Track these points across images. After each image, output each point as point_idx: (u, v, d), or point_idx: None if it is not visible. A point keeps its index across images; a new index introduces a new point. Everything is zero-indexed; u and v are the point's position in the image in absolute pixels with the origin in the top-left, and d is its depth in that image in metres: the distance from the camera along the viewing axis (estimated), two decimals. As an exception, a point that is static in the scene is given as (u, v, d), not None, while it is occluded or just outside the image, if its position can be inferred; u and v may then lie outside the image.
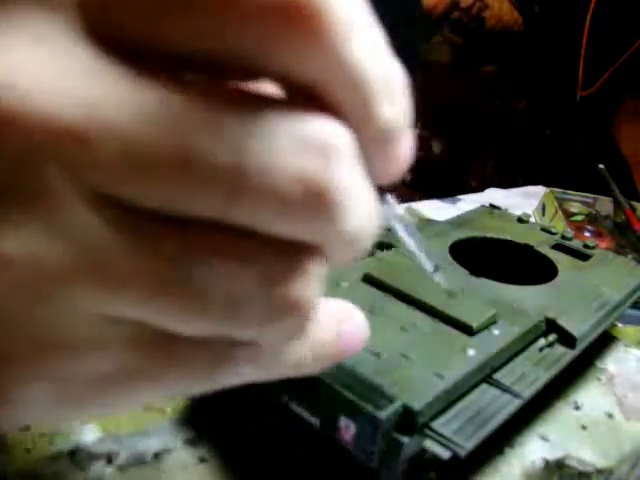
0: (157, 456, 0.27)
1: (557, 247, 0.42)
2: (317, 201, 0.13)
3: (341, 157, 0.14)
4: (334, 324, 0.19)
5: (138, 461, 0.27)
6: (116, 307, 0.13)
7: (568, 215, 0.68)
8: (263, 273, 0.14)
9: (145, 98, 0.12)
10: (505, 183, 0.84)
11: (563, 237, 0.43)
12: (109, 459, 0.27)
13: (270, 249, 0.14)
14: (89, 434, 0.28)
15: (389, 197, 0.20)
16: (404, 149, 0.16)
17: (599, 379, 0.37)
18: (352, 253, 0.16)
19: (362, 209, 0.15)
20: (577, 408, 0.34)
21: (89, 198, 0.12)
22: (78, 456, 0.27)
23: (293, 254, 0.14)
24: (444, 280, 0.24)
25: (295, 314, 0.15)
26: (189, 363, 0.15)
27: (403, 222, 0.21)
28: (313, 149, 0.13)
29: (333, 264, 0.16)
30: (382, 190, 0.18)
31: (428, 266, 0.23)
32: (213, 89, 0.13)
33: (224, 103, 0.13)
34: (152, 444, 0.28)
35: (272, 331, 0.15)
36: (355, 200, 0.15)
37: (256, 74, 0.14)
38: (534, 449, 0.30)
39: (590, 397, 0.35)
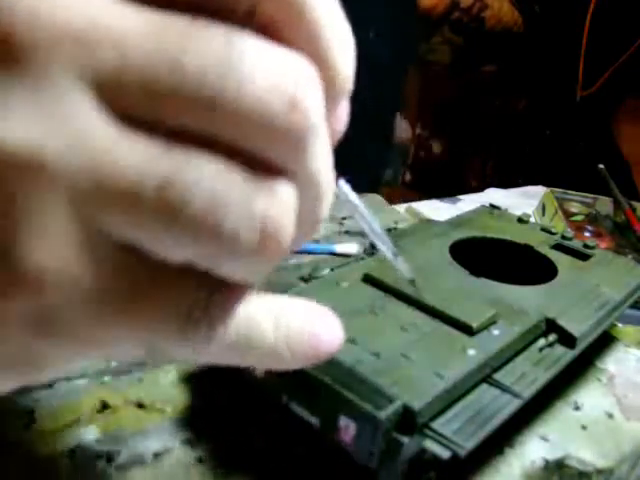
0: (157, 456, 0.27)
1: (557, 247, 0.42)
2: (292, 110, 0.15)
3: (313, 84, 0.15)
4: (308, 319, 0.20)
5: (138, 461, 0.27)
6: (105, 211, 0.14)
7: (568, 215, 0.68)
8: (244, 185, 0.15)
9: (140, 15, 0.14)
10: (505, 183, 0.84)
11: (563, 237, 0.43)
12: (109, 459, 0.27)
13: (251, 167, 0.15)
14: (89, 434, 0.28)
15: (342, 182, 0.20)
16: (344, 112, 0.18)
17: (599, 379, 0.37)
18: (317, 203, 0.18)
19: (324, 152, 0.17)
20: (577, 408, 0.34)
21: (90, 97, 0.14)
22: (78, 456, 0.27)
23: (272, 177, 0.16)
24: (405, 267, 0.24)
25: (270, 233, 0.16)
26: (166, 303, 0.16)
27: (361, 208, 0.22)
28: (290, 68, 0.15)
29: (301, 216, 0.17)
30: (335, 176, 0.19)
31: (388, 253, 0.23)
32: (196, 17, 0.14)
33: (207, 26, 0.14)
34: (152, 444, 0.28)
35: (248, 252, 0.16)
36: (320, 137, 0.16)
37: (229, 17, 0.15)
38: (534, 449, 0.30)
39: (590, 397, 0.35)
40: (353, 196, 0.22)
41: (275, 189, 0.16)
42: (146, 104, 0.14)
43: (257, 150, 0.15)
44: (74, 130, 0.14)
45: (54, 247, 0.14)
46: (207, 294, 0.17)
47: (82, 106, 0.14)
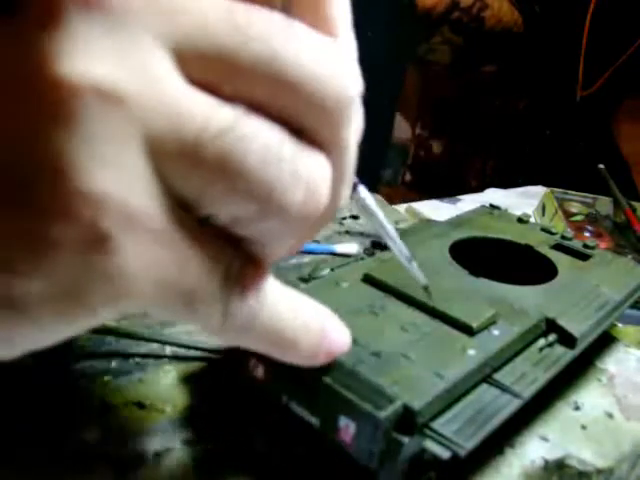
0: (157, 456, 0.27)
1: (557, 247, 0.42)
2: (339, 78, 0.17)
3: (354, 62, 0.18)
4: (320, 317, 0.21)
5: (138, 461, 0.27)
6: (172, 155, 0.16)
7: (568, 215, 0.68)
8: (294, 147, 0.17)
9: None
10: (505, 183, 0.84)
11: (563, 237, 0.43)
12: (109, 459, 0.27)
13: (299, 140, 0.17)
14: (89, 434, 0.28)
15: (361, 187, 0.21)
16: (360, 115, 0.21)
17: (599, 379, 0.37)
18: (339, 186, 0.19)
19: (355, 137, 0.19)
20: (577, 408, 0.34)
21: (166, 54, 0.15)
22: (78, 456, 0.27)
23: (314, 147, 0.18)
24: (420, 272, 0.25)
25: (312, 194, 0.17)
26: (207, 258, 0.17)
27: (378, 213, 0.23)
28: (334, 45, 0.17)
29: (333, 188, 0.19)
30: (354, 183, 0.22)
31: (402, 258, 0.24)
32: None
33: (265, 7, 0.16)
34: (152, 444, 0.28)
35: (292, 209, 0.17)
36: (354, 119, 0.18)
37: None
38: (534, 449, 0.30)
39: (590, 397, 0.35)
40: (371, 201, 0.23)
41: (317, 157, 0.18)
42: (212, 67, 0.16)
43: (305, 117, 0.17)
44: (151, 77, 0.15)
45: (121, 177, 0.15)
46: (241, 263, 0.18)
47: (159, 59, 0.15)
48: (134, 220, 0.16)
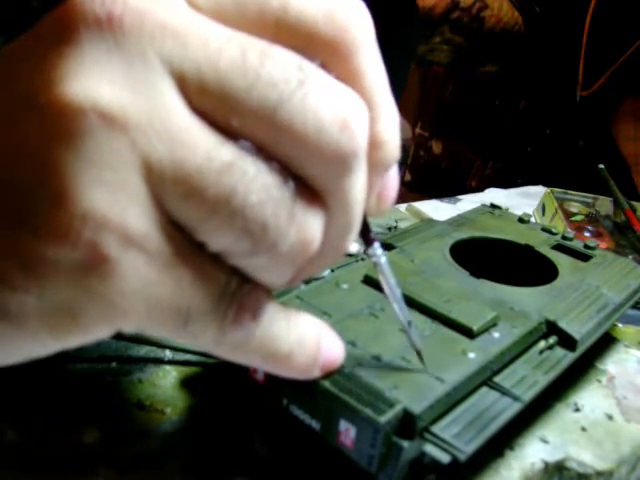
0: (157, 456, 0.27)
1: (558, 247, 0.42)
2: (342, 130, 0.17)
3: (363, 116, 0.17)
4: (316, 331, 0.22)
5: (138, 461, 0.27)
6: (171, 185, 0.16)
7: (568, 215, 0.67)
8: (292, 192, 0.17)
9: (229, 31, 0.16)
10: (505, 183, 0.84)
11: (564, 237, 0.43)
12: (109, 459, 0.27)
13: (298, 184, 0.17)
14: (89, 434, 0.28)
15: (377, 244, 0.23)
16: (395, 181, 0.23)
17: (599, 380, 0.37)
18: (342, 236, 0.20)
19: (361, 192, 0.19)
20: (577, 410, 0.34)
21: (174, 84, 0.16)
22: (78, 456, 0.27)
23: (311, 194, 0.18)
24: (417, 336, 0.25)
25: (303, 239, 0.18)
26: (202, 277, 0.17)
27: (388, 273, 0.24)
28: (346, 97, 0.17)
29: (326, 243, 0.19)
30: (371, 239, 0.23)
31: (403, 321, 0.25)
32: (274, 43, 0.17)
33: (283, 49, 0.16)
34: (152, 444, 0.28)
35: (282, 251, 0.17)
36: (360, 175, 0.18)
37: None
38: (534, 451, 0.30)
39: (590, 399, 0.35)
40: (384, 259, 0.23)
41: (313, 203, 0.18)
42: (218, 103, 0.16)
43: (304, 164, 0.17)
44: (157, 103, 0.15)
45: (119, 200, 0.15)
46: (238, 282, 0.18)
47: (166, 89, 0.15)
48: (131, 242, 0.16)
